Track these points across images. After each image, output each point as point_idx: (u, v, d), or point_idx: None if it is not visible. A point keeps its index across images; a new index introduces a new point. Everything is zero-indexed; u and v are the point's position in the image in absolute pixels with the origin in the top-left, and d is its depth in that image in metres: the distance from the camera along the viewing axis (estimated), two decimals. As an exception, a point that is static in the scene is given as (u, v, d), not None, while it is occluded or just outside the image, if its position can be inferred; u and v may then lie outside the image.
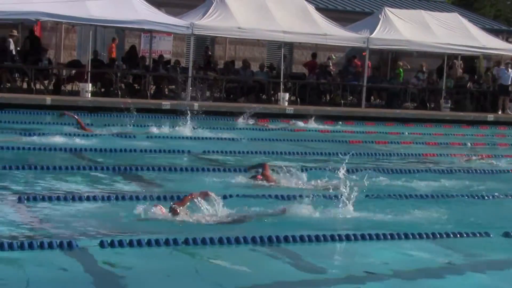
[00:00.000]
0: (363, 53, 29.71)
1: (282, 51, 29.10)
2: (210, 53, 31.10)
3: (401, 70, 31.87)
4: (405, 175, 14.39)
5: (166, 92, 27.66)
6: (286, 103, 27.31)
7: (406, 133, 23.91)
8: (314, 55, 31.29)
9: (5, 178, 12.03)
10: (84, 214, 9.83)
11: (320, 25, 28.38)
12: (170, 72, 27.56)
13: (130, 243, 8.53)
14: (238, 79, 28.47)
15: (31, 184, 11.84)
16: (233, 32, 27.25)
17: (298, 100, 28.39)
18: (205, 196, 9.85)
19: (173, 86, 27.75)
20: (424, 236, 9.52)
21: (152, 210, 9.62)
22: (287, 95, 27.64)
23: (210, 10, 27.02)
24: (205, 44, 32.40)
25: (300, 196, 11.02)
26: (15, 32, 26.72)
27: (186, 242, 8.62)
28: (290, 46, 33.77)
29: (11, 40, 25.60)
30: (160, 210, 9.62)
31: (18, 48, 26.91)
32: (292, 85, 28.98)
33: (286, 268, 8.19)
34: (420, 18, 30.62)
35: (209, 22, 26.56)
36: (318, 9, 31.06)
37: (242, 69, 28.88)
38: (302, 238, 9.07)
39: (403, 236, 9.44)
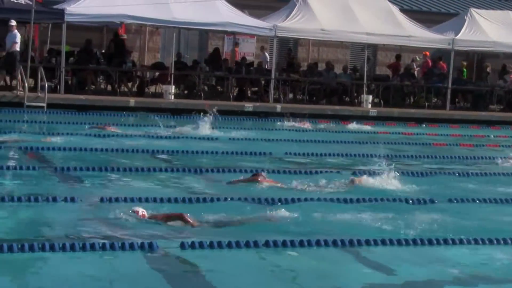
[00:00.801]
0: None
1: (366, 53, 28.82)
2: (293, 55, 31.01)
3: (465, 70, 31.26)
4: (490, 178, 14.06)
5: (249, 94, 27.70)
6: (369, 105, 27.02)
7: (492, 136, 23.39)
8: (398, 57, 30.91)
9: (89, 179, 12.17)
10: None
11: (404, 27, 28.01)
12: (253, 74, 27.59)
13: (211, 245, 8.53)
14: (321, 81, 28.32)
15: (113, 185, 11.92)
16: (316, 34, 27.12)
17: (382, 102, 28.06)
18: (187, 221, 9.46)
19: (256, 88, 27.76)
20: (509, 241, 9.26)
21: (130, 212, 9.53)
22: (370, 97, 27.35)
23: (293, 12, 26.94)
24: (288, 46, 32.34)
25: (382, 199, 10.86)
26: None
27: (266, 244, 8.59)
28: (374, 48, 33.44)
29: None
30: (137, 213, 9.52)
31: (103, 51, 27.31)
32: (375, 87, 28.67)
33: (369, 272, 8.04)
34: (507, 19, 29.94)
35: (292, 24, 26.48)
36: (403, 10, 30.68)
37: (325, 71, 28.72)
38: (383, 242, 8.92)
39: (487, 242, 9.19)
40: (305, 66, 30.32)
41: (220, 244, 8.46)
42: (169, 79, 25.35)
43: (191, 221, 9.41)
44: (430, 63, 30.55)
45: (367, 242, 8.81)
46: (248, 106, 25.01)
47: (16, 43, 22.73)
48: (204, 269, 7.89)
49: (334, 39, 28.40)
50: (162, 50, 32.06)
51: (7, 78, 25.24)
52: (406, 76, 29.60)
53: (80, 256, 7.93)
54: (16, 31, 22.99)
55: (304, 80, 27.94)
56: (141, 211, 9.59)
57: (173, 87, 25.13)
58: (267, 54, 30.33)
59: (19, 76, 22.64)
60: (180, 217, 9.43)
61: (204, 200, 10.89)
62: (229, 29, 26.36)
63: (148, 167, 13.45)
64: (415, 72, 30.39)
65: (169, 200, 10.65)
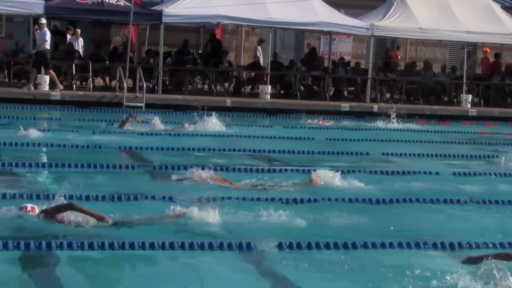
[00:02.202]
0: None
1: (465, 52, 28.19)
2: (390, 54, 30.60)
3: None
4: None
5: (345, 94, 27.45)
6: (469, 105, 26.41)
7: None
8: (497, 55, 30.09)
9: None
10: (261, 217, 9.76)
11: (506, 24, 27.27)
12: (350, 73, 27.32)
13: (308, 246, 8.43)
14: (418, 81, 27.84)
15: (214, 185, 11.84)
16: (414, 33, 26.69)
17: (482, 102, 27.38)
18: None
19: (352, 88, 27.49)
20: None
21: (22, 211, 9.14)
22: (470, 97, 26.73)
23: (391, 11, 26.56)
24: (385, 46, 31.94)
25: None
26: None
27: (353, 246, 8.46)
28: (474, 46, 32.68)
29: None
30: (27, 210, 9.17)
31: (200, 52, 27.49)
32: (475, 87, 27.99)
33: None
34: None
35: (389, 23, 26.12)
36: (504, 7, 29.89)
37: (423, 70, 28.22)
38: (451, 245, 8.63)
39: None
40: (402, 66, 29.88)
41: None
42: (265, 79, 25.33)
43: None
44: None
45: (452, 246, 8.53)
46: (345, 106, 24.78)
47: (46, 41, 22.88)
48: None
49: (432, 38, 27.92)
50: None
51: (107, 79, 25.69)
52: (507, 75, 28.80)
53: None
54: (46, 29, 23.13)
55: (402, 79, 27.52)
56: (29, 206, 9.20)
57: (269, 87, 25.09)
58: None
59: (70, 74, 22.83)
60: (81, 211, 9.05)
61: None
62: (325, 28, 26.18)
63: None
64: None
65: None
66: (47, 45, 22.83)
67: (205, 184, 11.55)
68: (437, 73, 28.56)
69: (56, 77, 22.95)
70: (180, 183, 11.69)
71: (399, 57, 30.51)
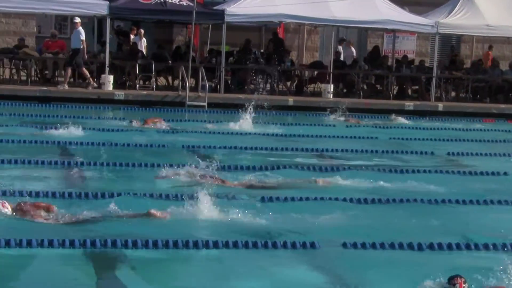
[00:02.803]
0: None
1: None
2: (456, 52, 30.13)
3: None
4: None
5: (409, 93, 27.10)
6: (539, 103, 25.85)
7: None
8: None
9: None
10: (325, 215, 9.62)
11: None
12: (414, 72, 26.96)
13: (373, 246, 8.34)
14: (485, 79, 27.32)
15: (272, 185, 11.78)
16: (481, 30, 26.21)
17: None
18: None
19: (417, 87, 27.12)
20: None
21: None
22: (539, 95, 26.17)
23: (457, 8, 26.11)
24: (450, 43, 31.45)
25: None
26: None
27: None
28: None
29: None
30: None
31: (262, 51, 27.42)
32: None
33: None
34: None
35: (455, 20, 25.69)
36: None
37: (490, 68, 27.70)
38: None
39: None
40: (468, 64, 29.39)
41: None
42: (327, 78, 25.14)
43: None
44: None
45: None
46: (409, 104, 24.44)
47: (82, 40, 23.05)
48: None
49: (500, 35, 27.38)
50: (321, 49, 31.90)
51: (169, 78, 25.80)
52: None
53: None
54: (80, 27, 23.26)
55: (468, 77, 27.05)
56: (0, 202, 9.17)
57: (332, 85, 24.90)
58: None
59: (133, 73, 22.96)
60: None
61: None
62: (389, 26, 25.87)
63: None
64: None
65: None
66: (81, 44, 23.00)
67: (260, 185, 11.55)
68: (505, 71, 27.98)
69: (88, 75, 23.09)
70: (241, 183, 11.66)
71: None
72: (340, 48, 27.62)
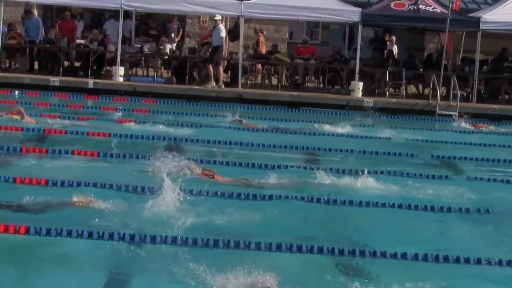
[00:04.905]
0: None
1: None
2: None
3: None
4: None
5: None
6: None
7: None
8: None
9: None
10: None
11: None
12: None
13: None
14: None
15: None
16: None
17: None
18: None
19: None
20: None
21: None
22: None
23: None
24: None
25: None
26: None
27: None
28: None
29: None
30: None
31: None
32: None
33: None
34: None
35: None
36: None
37: None
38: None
39: None
40: None
41: None
42: None
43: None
44: None
45: None
46: None
47: (222, 37, 22.88)
48: None
49: None
50: None
51: (419, 86, 25.41)
52: None
53: None
54: (221, 25, 23.05)
55: None
56: None
57: None
58: None
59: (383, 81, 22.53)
60: None
61: None
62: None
63: None
64: None
65: None
66: (221, 42, 23.05)
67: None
68: None
69: (213, 74, 22.87)
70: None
71: None
72: None
